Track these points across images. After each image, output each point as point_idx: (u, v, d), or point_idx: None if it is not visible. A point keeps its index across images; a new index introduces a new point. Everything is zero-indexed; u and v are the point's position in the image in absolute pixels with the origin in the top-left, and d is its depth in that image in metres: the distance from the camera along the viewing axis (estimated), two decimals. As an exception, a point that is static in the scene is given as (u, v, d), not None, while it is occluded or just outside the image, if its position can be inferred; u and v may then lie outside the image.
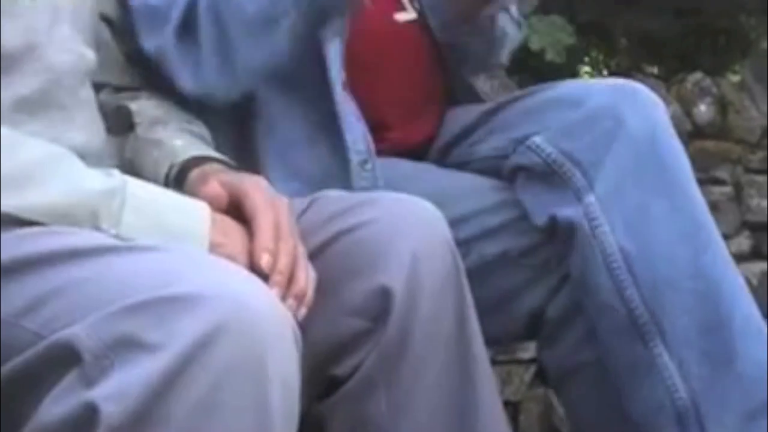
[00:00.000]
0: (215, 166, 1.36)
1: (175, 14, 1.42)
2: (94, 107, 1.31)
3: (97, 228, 1.12)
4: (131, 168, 1.36)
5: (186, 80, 1.44)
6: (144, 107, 1.45)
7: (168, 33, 1.43)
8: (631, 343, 1.43)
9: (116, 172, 1.17)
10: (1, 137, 1.10)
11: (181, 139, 1.42)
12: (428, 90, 1.66)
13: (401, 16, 1.63)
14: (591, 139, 1.45)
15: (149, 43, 1.45)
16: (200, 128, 1.47)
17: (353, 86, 1.52)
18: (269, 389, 0.98)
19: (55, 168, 1.13)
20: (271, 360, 0.98)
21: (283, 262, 1.18)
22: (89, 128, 1.28)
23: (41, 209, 1.11)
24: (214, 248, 1.16)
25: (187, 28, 1.43)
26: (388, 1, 1.62)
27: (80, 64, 1.28)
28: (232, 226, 1.21)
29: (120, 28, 1.47)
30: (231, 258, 1.14)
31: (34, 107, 1.20)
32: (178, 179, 1.36)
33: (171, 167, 1.37)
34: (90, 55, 1.30)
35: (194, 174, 1.35)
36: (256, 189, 1.26)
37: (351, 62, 1.52)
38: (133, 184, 1.16)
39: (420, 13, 1.65)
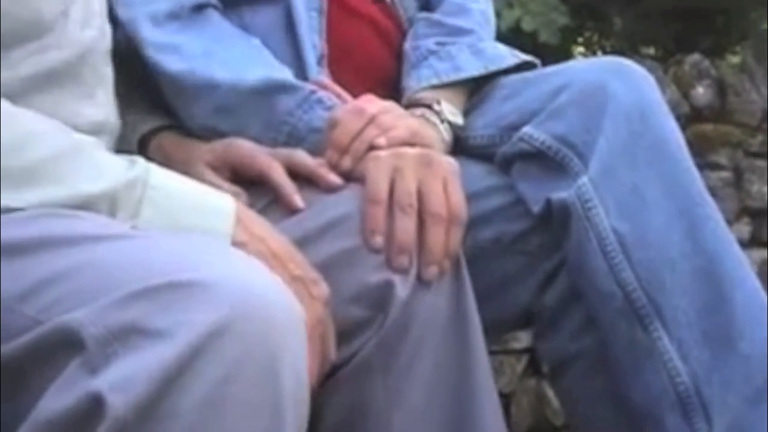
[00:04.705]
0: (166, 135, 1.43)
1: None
2: (111, 85, 1.33)
3: (113, 218, 1.11)
4: None
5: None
6: None
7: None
8: (630, 328, 1.41)
9: (140, 160, 1.16)
10: (23, 128, 1.10)
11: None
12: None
13: None
14: (582, 119, 1.44)
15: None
16: None
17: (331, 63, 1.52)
18: (281, 383, 0.97)
19: (77, 161, 1.11)
20: (283, 352, 0.97)
21: None
22: (108, 106, 1.30)
23: (61, 204, 1.09)
24: (236, 247, 1.13)
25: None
26: None
27: (104, 41, 1.30)
28: (259, 223, 1.19)
29: None
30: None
31: (61, 79, 1.22)
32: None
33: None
34: (110, 31, 1.33)
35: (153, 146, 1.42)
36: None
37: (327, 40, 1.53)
38: (156, 173, 1.14)
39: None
